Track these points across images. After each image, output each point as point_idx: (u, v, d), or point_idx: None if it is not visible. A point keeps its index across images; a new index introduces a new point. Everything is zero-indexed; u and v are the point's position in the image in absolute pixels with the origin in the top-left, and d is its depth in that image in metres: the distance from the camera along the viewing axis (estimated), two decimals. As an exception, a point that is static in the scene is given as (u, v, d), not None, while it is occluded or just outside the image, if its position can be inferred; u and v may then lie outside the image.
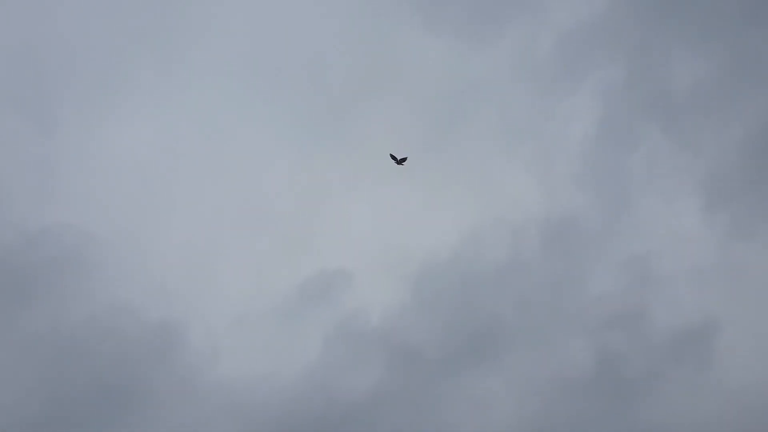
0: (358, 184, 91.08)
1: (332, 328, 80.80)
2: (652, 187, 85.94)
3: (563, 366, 76.97)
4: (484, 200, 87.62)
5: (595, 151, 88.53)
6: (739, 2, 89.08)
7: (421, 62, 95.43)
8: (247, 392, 76.27)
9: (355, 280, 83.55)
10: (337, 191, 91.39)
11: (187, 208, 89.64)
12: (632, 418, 73.74)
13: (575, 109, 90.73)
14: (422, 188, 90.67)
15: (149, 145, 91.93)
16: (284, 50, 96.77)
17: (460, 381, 77.10)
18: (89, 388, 75.43)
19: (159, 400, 75.81)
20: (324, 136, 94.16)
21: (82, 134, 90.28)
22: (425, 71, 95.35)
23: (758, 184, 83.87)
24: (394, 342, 79.52)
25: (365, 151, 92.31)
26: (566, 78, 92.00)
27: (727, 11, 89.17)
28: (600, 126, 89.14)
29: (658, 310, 78.75)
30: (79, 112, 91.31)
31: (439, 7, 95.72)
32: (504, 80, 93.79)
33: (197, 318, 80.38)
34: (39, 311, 78.69)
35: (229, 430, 75.18)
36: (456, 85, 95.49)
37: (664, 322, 78.12)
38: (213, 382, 77.00)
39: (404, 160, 71.34)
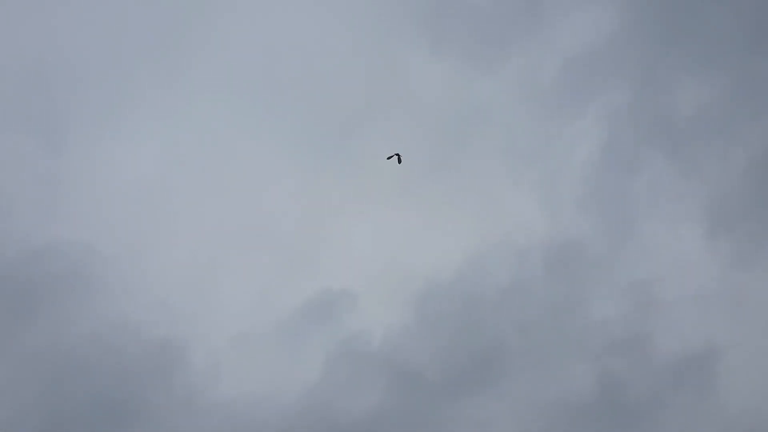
0: (362, 204, 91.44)
1: (334, 349, 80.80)
2: (655, 213, 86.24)
3: (565, 390, 76.87)
4: (488, 222, 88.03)
5: (599, 176, 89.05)
6: (743, 31, 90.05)
7: (426, 85, 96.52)
8: (248, 411, 75.99)
9: (358, 300, 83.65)
10: (341, 211, 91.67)
11: (190, 225, 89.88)
12: (634, 442, 74.33)
13: (579, 134, 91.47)
14: (426, 209, 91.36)
15: (154, 163, 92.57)
16: (290, 70, 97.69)
17: (462, 404, 76.90)
18: (89, 404, 75.24)
19: (159, 418, 75.56)
20: (328, 156, 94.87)
21: (88, 151, 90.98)
22: (431, 94, 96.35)
23: (761, 211, 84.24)
24: (395, 363, 79.43)
25: (369, 171, 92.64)
26: (571, 103, 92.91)
27: (731, 39, 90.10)
28: (604, 151, 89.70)
29: (660, 336, 78.79)
30: (85, 130, 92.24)
31: (446, 30, 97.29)
32: (509, 104, 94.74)
33: (198, 336, 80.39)
34: (41, 327, 78.79)
35: (230, 449, 75.66)
36: (461, 108, 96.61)
37: (666, 347, 78.13)
38: (213, 400, 76.91)
39: (398, 157, 72.28)
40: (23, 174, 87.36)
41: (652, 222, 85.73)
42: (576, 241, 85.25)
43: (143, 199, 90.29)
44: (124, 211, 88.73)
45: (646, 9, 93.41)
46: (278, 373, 79.24)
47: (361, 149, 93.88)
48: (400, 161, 70.98)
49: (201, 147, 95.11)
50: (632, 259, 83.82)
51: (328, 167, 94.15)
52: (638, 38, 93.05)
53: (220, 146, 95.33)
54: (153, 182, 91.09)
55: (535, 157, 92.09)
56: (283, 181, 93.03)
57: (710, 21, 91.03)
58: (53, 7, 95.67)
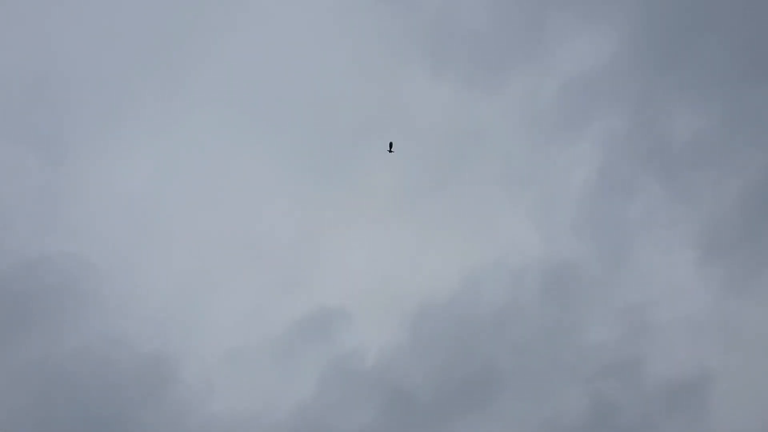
0: (357, 223, 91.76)
1: (327, 366, 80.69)
2: (650, 238, 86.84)
3: (558, 412, 76.92)
4: (484, 244, 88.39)
5: (595, 200, 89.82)
6: (737, 61, 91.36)
7: (426, 107, 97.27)
8: (240, 428, 75.74)
9: (352, 318, 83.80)
10: (336, 229, 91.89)
11: (184, 240, 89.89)
12: (626, 466, 74.59)
13: (576, 158, 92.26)
14: (422, 230, 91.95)
15: (150, 178, 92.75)
16: (290, 89, 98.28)
17: (454, 424, 76.77)
18: (79, 419, 74.54)
19: (150, 435, 75.51)
20: (325, 174, 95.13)
21: (85, 164, 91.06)
22: (430, 116, 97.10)
23: (753, 238, 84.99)
24: (389, 382, 79.40)
25: (366, 190, 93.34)
26: (568, 127, 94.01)
27: (726, 69, 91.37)
28: (600, 175, 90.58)
29: (653, 360, 79.26)
30: (82, 144, 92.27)
31: (446, 54, 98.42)
32: (507, 127, 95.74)
33: (191, 352, 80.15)
34: (32, 340, 78.25)
35: (221, 466, 75.23)
36: (460, 131, 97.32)
37: (658, 371, 78.59)
38: (205, 417, 76.46)
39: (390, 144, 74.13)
40: (19, 186, 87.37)
41: (646, 247, 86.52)
42: (571, 264, 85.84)
43: (139, 213, 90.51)
44: (119, 225, 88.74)
45: (644, 37, 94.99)
46: (271, 390, 79.14)
47: (358, 169, 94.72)
48: (391, 149, 74.44)
49: (197, 163, 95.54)
50: (626, 284, 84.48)
51: (324, 185, 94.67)
52: (635, 65, 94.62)
53: (216, 162, 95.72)
54: (149, 197, 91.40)
55: (532, 180, 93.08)
56: (278, 198, 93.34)
57: (706, 51, 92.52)
58: (52, 23, 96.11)
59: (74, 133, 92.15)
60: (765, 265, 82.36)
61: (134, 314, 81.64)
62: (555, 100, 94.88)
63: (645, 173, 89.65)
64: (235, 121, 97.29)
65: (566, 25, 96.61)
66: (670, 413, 76.47)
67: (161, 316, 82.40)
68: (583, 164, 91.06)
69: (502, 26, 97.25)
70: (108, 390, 76.95)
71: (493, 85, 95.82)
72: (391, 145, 76.48)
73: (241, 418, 76.25)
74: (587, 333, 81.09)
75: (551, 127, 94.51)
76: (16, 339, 77.90)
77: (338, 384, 79.68)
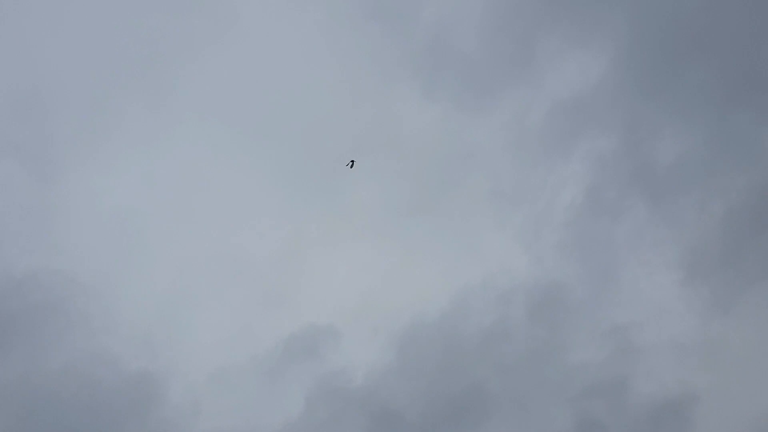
0: (345, 242, 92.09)
1: (314, 386, 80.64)
2: (635, 259, 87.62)
3: (544, 432, 77.62)
4: (471, 264, 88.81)
5: (582, 221, 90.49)
6: (722, 85, 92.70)
7: (416, 128, 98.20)
8: (227, 449, 75.58)
9: (339, 338, 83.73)
10: (324, 248, 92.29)
11: (170, 258, 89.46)
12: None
13: (563, 180, 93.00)
14: (411, 249, 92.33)
15: (136, 196, 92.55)
16: (279, 106, 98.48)
17: (442, 445, 77.33)
18: (62, 438, 73.98)
19: (135, 456, 74.90)
20: (314, 193, 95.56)
21: (72, 182, 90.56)
22: (420, 137, 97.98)
23: (736, 259, 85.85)
24: (376, 403, 79.27)
25: (353, 208, 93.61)
26: (555, 149, 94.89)
27: (710, 93, 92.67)
28: (587, 197, 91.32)
29: (637, 380, 79.76)
30: (69, 162, 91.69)
31: (438, 75, 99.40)
32: (496, 148, 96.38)
33: (177, 370, 79.88)
34: (17, 357, 77.39)
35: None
36: (449, 152, 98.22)
37: (644, 391, 79.07)
38: (192, 437, 76.22)
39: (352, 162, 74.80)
40: (5, 202, 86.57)
41: (632, 268, 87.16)
42: (557, 285, 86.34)
43: (124, 230, 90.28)
44: (105, 242, 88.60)
45: (630, 61, 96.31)
46: (258, 409, 78.77)
47: (346, 187, 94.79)
48: (352, 166, 75.19)
49: (183, 180, 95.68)
50: (612, 304, 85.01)
51: (312, 203, 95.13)
52: (622, 89, 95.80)
53: (203, 180, 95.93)
54: (134, 214, 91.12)
55: (519, 201, 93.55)
56: (265, 216, 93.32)
57: (690, 75, 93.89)
58: (38, 39, 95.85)
59: (60, 149, 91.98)
60: (748, 285, 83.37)
61: (119, 332, 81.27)
62: (543, 122, 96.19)
63: (631, 195, 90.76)
64: (225, 138, 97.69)
65: (555, 49, 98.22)
66: (655, 432, 77.36)
67: (147, 334, 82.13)
68: (570, 186, 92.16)
69: (492, 49, 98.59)
70: (93, 409, 76.35)
71: (483, 107, 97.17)
72: (352, 162, 77.18)
73: (227, 438, 75.95)
74: (573, 353, 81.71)
75: (539, 149, 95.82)
76: (2, 355, 76.91)
77: (325, 403, 79.57)
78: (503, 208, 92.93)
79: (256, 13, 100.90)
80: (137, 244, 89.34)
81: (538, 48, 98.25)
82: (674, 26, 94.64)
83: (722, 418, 75.95)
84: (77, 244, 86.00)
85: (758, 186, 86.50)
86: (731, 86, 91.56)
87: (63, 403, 75.88)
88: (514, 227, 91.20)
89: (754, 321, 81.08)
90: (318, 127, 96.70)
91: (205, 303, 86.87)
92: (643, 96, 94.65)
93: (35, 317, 79.66)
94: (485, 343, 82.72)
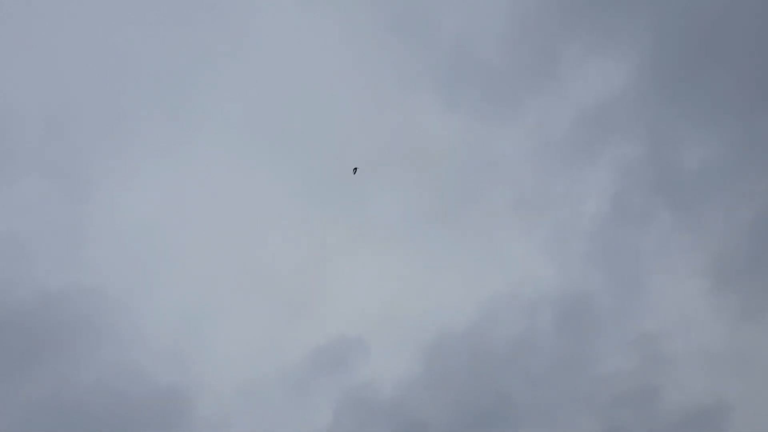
0: (370, 253, 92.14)
1: (342, 398, 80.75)
2: (663, 267, 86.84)
3: (573, 444, 77.18)
4: (498, 275, 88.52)
5: (608, 230, 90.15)
6: (747, 90, 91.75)
7: (440, 138, 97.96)
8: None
9: (367, 349, 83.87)
10: (350, 260, 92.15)
11: (197, 272, 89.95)
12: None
13: (588, 188, 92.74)
14: (436, 260, 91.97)
15: (163, 211, 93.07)
16: (302, 117, 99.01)
17: (469, 458, 77.26)
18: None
19: (165, 468, 75.64)
20: (338, 204, 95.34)
21: (101, 200, 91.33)
22: (444, 147, 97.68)
23: (765, 265, 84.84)
24: (404, 414, 79.33)
25: (377, 220, 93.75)
26: (580, 157, 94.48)
27: (736, 98, 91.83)
28: (612, 205, 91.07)
29: (667, 390, 79.16)
30: (98, 180, 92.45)
31: (461, 84, 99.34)
32: (520, 157, 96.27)
33: (206, 384, 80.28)
34: (48, 373, 78.31)
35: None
36: (473, 161, 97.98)
37: (673, 401, 78.41)
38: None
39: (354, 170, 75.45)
40: (38, 221, 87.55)
41: (660, 276, 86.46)
42: (584, 294, 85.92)
43: (152, 245, 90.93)
44: (133, 257, 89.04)
45: (654, 67, 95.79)
46: (286, 422, 79.04)
47: (371, 197, 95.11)
48: (355, 172, 76.92)
49: (205, 193, 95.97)
50: (639, 313, 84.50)
51: (337, 214, 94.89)
52: (646, 96, 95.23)
53: (225, 192, 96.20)
54: (160, 228, 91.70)
55: (545, 210, 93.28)
56: (291, 228, 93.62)
57: (715, 80, 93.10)
58: (66, 61, 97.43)
59: (86, 167, 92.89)
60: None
61: (148, 346, 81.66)
62: (567, 131, 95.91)
63: (656, 202, 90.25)
64: (247, 150, 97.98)
65: (578, 56, 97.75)
66: (685, 443, 76.64)
67: (175, 348, 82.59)
68: (596, 194, 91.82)
69: (515, 58, 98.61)
70: (123, 422, 76.86)
71: (506, 116, 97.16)
72: (355, 170, 77.98)
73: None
74: (601, 363, 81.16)
75: (563, 157, 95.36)
76: (33, 372, 78.08)
77: (353, 415, 79.68)
78: (528, 218, 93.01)
79: (276, 25, 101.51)
80: (163, 259, 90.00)
81: (560, 56, 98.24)
82: (697, 31, 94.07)
83: (757, 427, 75.23)
84: (106, 259, 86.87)
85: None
86: (756, 91, 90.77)
87: (94, 418, 76.58)
88: (539, 237, 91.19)
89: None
90: (340, 138, 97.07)
91: (231, 316, 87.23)
92: (667, 102, 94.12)
93: (66, 333, 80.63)
94: (512, 353, 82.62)
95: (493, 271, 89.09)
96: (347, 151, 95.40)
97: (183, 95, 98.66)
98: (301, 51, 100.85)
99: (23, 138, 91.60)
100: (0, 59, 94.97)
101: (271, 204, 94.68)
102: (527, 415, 78.70)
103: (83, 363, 79.38)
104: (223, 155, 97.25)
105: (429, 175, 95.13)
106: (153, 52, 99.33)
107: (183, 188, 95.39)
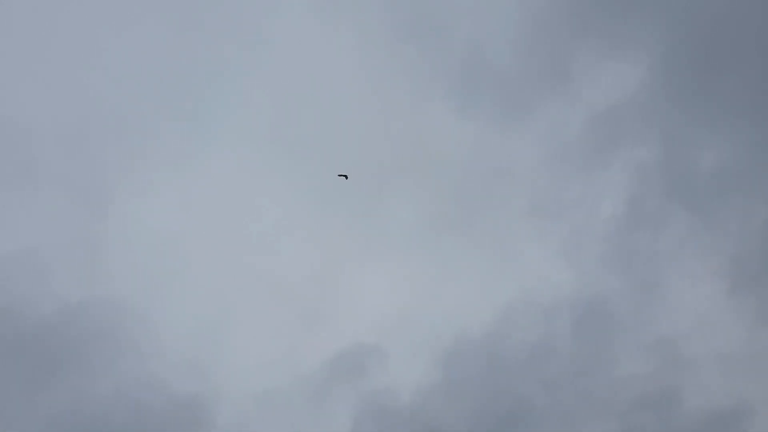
0: (386, 260, 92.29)
1: (360, 405, 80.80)
2: (680, 269, 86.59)
3: (592, 448, 76.81)
4: (513, 281, 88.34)
5: (624, 233, 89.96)
6: (763, 90, 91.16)
7: (452, 143, 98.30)
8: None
9: (384, 356, 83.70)
10: (362, 267, 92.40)
11: (214, 282, 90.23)
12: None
13: (603, 191, 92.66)
14: (451, 266, 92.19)
15: (178, 222, 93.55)
16: (315, 124, 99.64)
17: (489, 463, 77.02)
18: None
19: (185, 479, 75.81)
20: (353, 212, 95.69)
21: (118, 212, 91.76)
22: (457, 151, 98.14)
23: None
24: (422, 421, 79.28)
25: (392, 226, 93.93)
26: (594, 160, 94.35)
27: (751, 98, 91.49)
28: (628, 208, 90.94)
29: (686, 393, 78.75)
30: (115, 192, 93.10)
31: (473, 91, 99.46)
32: (534, 161, 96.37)
33: (224, 393, 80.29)
34: (68, 385, 78.60)
35: None
36: (486, 167, 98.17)
37: (693, 404, 78.01)
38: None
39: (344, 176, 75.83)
40: (58, 234, 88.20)
41: (676, 279, 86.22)
42: (601, 298, 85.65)
43: (168, 255, 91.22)
44: (150, 268, 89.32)
45: (669, 68, 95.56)
46: (305, 430, 79.11)
47: (385, 204, 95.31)
48: (346, 177, 76.97)
49: (221, 203, 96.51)
50: (657, 316, 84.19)
51: (351, 222, 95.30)
52: (661, 97, 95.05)
53: (241, 202, 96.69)
54: (176, 239, 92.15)
55: (559, 215, 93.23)
56: (306, 236, 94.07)
57: (730, 81, 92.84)
58: (85, 76, 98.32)
59: (104, 180, 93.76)
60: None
61: (167, 357, 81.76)
62: (580, 135, 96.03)
63: (672, 204, 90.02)
64: (262, 159, 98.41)
65: (591, 60, 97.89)
66: (707, 447, 76.20)
67: (193, 358, 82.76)
68: (610, 198, 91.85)
69: (528, 63, 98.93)
70: (142, 432, 77.42)
71: (519, 121, 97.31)
72: (345, 176, 78.44)
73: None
74: (619, 367, 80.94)
75: (577, 161, 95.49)
76: (54, 384, 78.40)
77: (372, 422, 79.68)
78: (543, 223, 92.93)
79: (290, 34, 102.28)
80: (181, 269, 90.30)
81: (572, 60, 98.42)
82: (709, 32, 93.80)
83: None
84: (124, 272, 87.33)
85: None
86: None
87: (114, 429, 76.79)
88: (554, 241, 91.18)
89: (805, 330, 79.73)
90: (354, 145, 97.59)
91: (249, 324, 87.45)
92: (680, 104, 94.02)
93: (86, 345, 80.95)
94: (530, 358, 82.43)
95: (509, 277, 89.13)
96: (361, 158, 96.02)
97: (197, 106, 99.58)
98: (315, 59, 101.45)
99: (41, 153, 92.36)
100: (19, 74, 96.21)
101: (286, 212, 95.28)
102: (545, 420, 78.58)
103: (103, 375, 79.71)
104: (237, 165, 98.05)
105: (443, 181, 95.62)
106: (168, 64, 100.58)
107: (199, 199, 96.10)
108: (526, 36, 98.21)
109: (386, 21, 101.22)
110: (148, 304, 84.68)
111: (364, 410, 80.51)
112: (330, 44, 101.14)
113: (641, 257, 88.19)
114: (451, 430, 78.69)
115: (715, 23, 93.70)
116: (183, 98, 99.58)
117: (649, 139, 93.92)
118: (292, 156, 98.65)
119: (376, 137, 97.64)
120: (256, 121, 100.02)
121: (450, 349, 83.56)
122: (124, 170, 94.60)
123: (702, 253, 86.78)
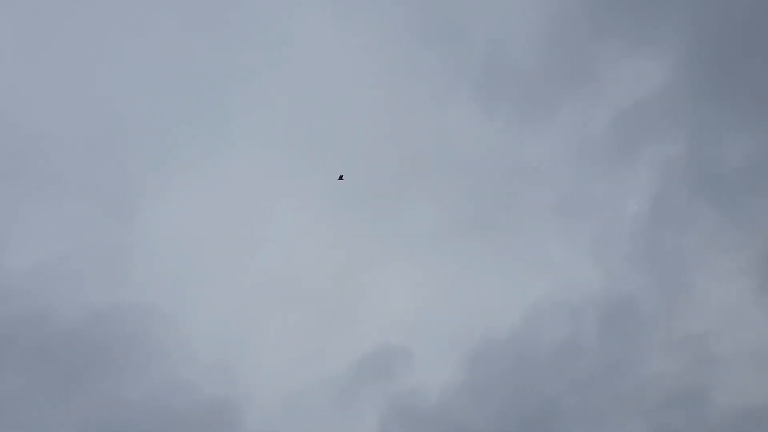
0: (408, 262, 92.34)
1: (388, 406, 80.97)
2: (707, 266, 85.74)
3: (621, 447, 76.42)
4: (540, 280, 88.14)
5: (650, 230, 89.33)
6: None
7: (477, 142, 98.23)
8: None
9: (411, 357, 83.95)
10: (387, 268, 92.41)
11: (240, 285, 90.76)
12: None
13: (629, 188, 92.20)
14: (478, 266, 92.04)
15: (204, 226, 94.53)
16: (337, 126, 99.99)
17: (517, 463, 76.89)
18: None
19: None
20: (377, 212, 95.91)
21: (145, 218, 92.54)
22: (481, 151, 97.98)
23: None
24: (450, 422, 79.31)
25: (417, 227, 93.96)
26: (620, 157, 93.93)
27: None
28: (655, 205, 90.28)
29: (716, 391, 77.99)
30: (141, 198, 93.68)
31: (496, 90, 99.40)
32: (559, 161, 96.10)
33: (252, 396, 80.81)
34: (97, 391, 79.51)
35: None
36: (510, 166, 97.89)
37: (723, 402, 77.17)
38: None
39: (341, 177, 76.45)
40: (87, 241, 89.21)
41: (705, 275, 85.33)
42: (628, 296, 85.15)
43: (194, 260, 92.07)
44: (176, 273, 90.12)
45: (694, 63, 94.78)
46: (332, 431, 79.55)
47: (409, 204, 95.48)
48: (341, 178, 78.63)
49: (246, 207, 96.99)
50: (685, 314, 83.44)
51: (374, 222, 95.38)
52: (686, 92, 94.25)
53: (266, 205, 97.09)
54: (201, 244, 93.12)
55: (585, 213, 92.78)
56: (329, 238, 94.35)
57: (755, 74, 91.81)
58: (108, 86, 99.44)
59: (130, 186, 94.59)
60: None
61: (195, 360, 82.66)
62: (605, 132, 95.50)
63: (699, 200, 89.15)
64: (283, 163, 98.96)
65: (615, 55, 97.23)
66: (738, 445, 75.52)
67: (221, 362, 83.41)
68: (637, 194, 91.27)
69: (551, 61, 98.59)
70: (172, 437, 78.03)
71: (544, 118, 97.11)
72: (341, 177, 78.75)
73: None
74: (648, 365, 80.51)
75: (603, 159, 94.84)
76: (83, 391, 79.31)
77: (399, 423, 79.83)
78: (569, 221, 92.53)
79: (310, 38, 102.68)
80: (207, 274, 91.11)
81: (596, 58, 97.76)
82: (734, 27, 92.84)
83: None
84: (151, 277, 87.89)
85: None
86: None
87: (143, 432, 77.81)
88: (581, 240, 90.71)
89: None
90: (375, 148, 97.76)
91: (275, 327, 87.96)
92: (705, 99, 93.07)
93: (115, 351, 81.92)
94: (558, 358, 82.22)
95: (535, 276, 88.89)
96: (384, 160, 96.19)
97: (218, 111, 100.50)
98: (335, 61, 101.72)
99: (68, 163, 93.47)
100: (44, 85, 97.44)
101: (309, 215, 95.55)
102: (574, 420, 78.18)
103: (132, 380, 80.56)
104: (260, 168, 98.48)
105: (468, 181, 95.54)
106: (188, 70, 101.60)
107: (222, 203, 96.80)
108: (548, 34, 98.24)
109: (407, 22, 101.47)
110: (176, 309, 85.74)
111: (391, 411, 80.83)
112: (350, 46, 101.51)
113: (668, 255, 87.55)
114: (478, 430, 78.67)
115: (740, 19, 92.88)
116: (204, 103, 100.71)
117: (675, 136, 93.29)
118: (314, 159, 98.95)
119: (398, 139, 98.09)
120: (277, 125, 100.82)
121: (476, 349, 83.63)
122: (149, 177, 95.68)
123: (729, 250, 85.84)
